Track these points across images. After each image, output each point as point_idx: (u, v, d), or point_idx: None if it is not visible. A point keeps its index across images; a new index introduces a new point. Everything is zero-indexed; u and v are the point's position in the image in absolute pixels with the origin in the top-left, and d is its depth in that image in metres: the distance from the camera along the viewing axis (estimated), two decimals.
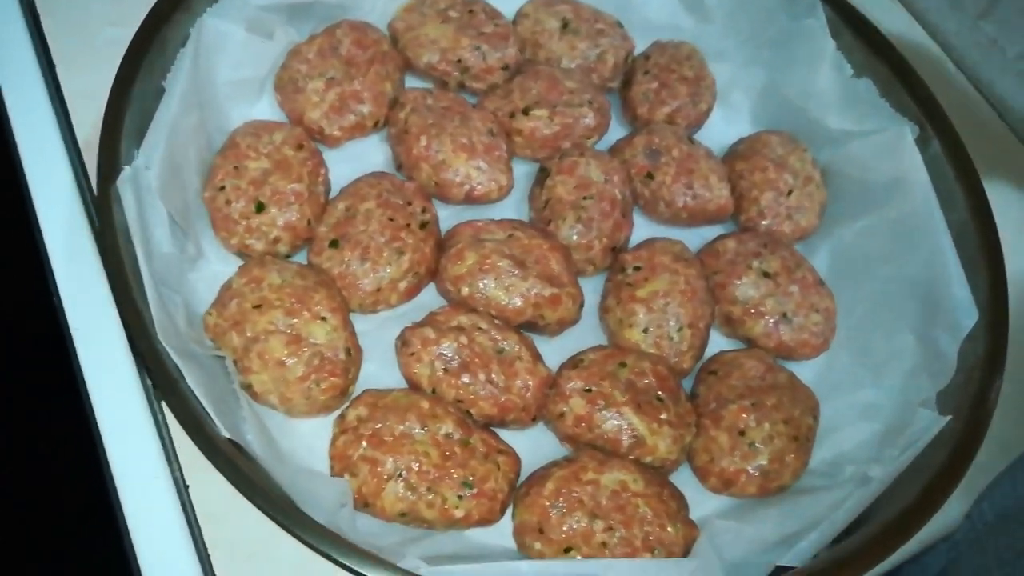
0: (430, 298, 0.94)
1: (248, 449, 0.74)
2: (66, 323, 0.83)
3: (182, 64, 0.89)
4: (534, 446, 0.87)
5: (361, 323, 0.89)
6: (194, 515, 0.78)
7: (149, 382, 0.83)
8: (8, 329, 0.87)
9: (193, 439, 0.71)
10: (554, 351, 0.92)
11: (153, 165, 0.81)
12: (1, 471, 0.80)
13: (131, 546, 0.75)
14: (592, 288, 0.97)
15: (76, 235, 0.89)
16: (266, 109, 1.02)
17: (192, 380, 0.73)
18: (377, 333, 0.90)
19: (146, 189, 0.81)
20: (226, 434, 0.72)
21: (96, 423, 0.80)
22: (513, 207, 1.03)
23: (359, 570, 0.69)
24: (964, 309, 0.88)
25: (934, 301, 0.91)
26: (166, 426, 0.81)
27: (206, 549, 0.76)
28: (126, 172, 0.80)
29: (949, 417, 0.83)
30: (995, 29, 1.23)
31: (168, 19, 0.90)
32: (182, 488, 0.79)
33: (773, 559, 0.76)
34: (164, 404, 0.81)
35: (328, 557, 0.69)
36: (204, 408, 0.73)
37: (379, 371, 0.89)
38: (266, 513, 0.70)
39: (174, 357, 0.73)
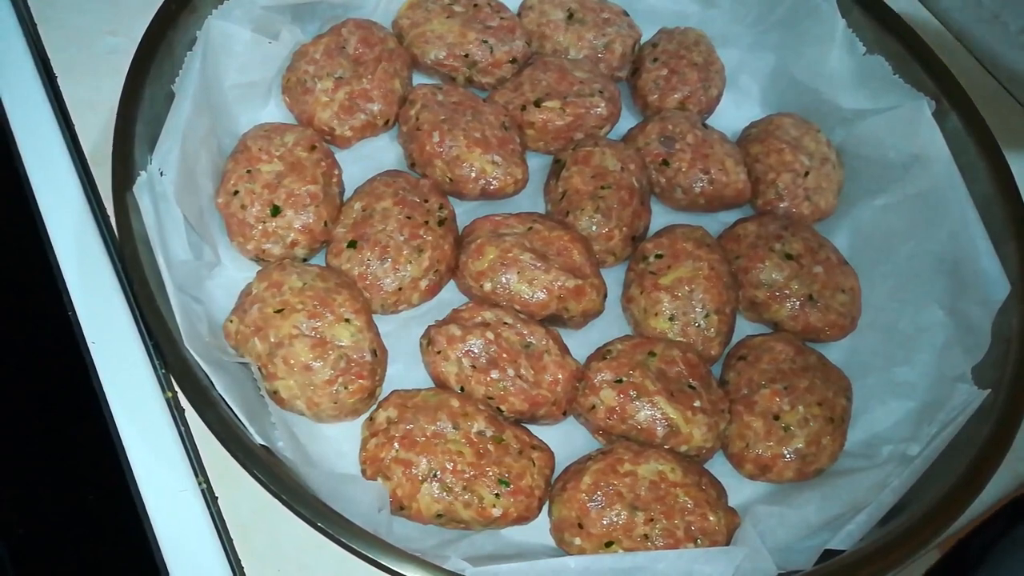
0: (451, 295, 0.93)
1: (280, 456, 0.72)
2: (83, 338, 0.82)
3: (191, 67, 0.87)
4: (566, 440, 0.86)
5: (383, 324, 0.87)
6: (224, 526, 0.76)
7: (170, 394, 0.81)
8: (25, 346, 0.85)
9: (227, 447, 0.69)
10: (579, 344, 0.90)
11: (168, 170, 0.79)
12: (28, 494, 0.78)
13: (163, 562, 0.74)
14: (614, 278, 0.96)
15: (87, 248, 0.87)
16: (274, 112, 1.00)
17: (222, 387, 0.71)
18: (400, 333, 0.89)
19: (161, 195, 0.79)
20: (260, 440, 0.71)
21: (120, 439, 0.78)
22: (528, 200, 1.01)
23: (404, 573, 0.67)
24: (994, 282, 0.87)
25: (962, 275, 0.90)
26: (191, 438, 0.79)
27: (238, 560, 0.74)
28: (142, 177, 0.78)
29: (988, 391, 0.82)
30: (996, 4, 1.23)
31: (175, 21, 0.88)
32: (211, 500, 0.77)
33: (820, 543, 0.75)
34: (188, 416, 0.79)
35: (372, 561, 0.67)
36: (235, 415, 0.71)
37: (405, 372, 0.87)
38: (308, 520, 0.68)
39: (203, 365, 0.72)
